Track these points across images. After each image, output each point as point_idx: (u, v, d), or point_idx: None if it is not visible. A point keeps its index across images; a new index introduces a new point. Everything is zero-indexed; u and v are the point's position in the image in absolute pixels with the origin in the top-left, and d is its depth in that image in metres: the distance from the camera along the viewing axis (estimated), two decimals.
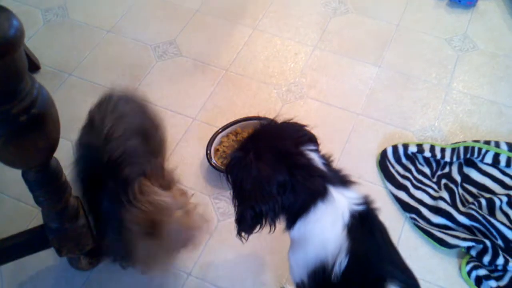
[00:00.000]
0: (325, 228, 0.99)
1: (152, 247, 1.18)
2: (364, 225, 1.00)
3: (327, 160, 1.05)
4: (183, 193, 1.25)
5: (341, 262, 0.96)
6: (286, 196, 1.00)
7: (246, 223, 1.05)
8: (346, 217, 0.99)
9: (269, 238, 1.53)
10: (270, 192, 0.99)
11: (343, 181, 1.04)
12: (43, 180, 1.11)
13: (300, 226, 1.02)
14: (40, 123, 0.96)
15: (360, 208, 1.01)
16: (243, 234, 1.10)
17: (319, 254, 0.99)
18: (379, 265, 0.99)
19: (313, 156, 1.02)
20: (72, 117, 1.39)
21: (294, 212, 1.02)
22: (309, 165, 1.01)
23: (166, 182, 1.25)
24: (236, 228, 1.09)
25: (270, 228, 1.06)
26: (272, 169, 0.99)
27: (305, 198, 1.00)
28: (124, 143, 1.24)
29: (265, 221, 1.04)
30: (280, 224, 1.08)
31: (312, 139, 1.08)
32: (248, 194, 1.01)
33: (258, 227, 1.06)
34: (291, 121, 1.12)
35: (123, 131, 1.26)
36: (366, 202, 1.03)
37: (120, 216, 1.14)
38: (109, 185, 1.18)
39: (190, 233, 1.21)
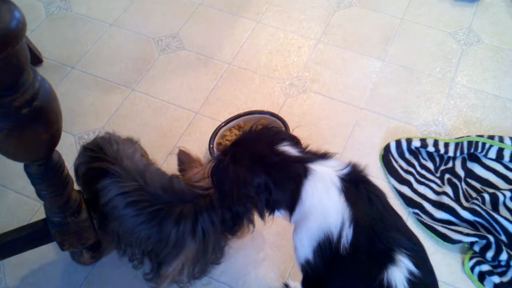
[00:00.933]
0: (321, 198, 1.01)
1: None
2: (359, 189, 1.02)
3: (302, 149, 1.09)
4: (199, 159, 1.35)
5: (347, 233, 0.97)
6: (274, 193, 1.03)
7: (227, 224, 1.13)
8: (336, 181, 1.01)
9: (272, 233, 1.52)
10: (247, 193, 1.03)
11: (321, 156, 1.07)
12: (45, 174, 1.10)
13: (300, 209, 1.04)
14: (42, 116, 0.96)
15: (346, 170, 1.03)
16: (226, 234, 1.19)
17: (321, 225, 1.01)
18: (384, 234, 0.99)
19: (287, 149, 1.06)
20: (74, 111, 1.39)
21: (290, 202, 1.05)
22: (283, 159, 1.04)
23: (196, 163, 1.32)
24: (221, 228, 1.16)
25: (249, 228, 1.13)
26: (249, 171, 1.03)
27: (291, 186, 1.03)
28: (161, 174, 1.29)
29: (243, 221, 1.12)
30: (272, 219, 1.11)
31: (286, 139, 1.11)
32: (225, 196, 1.06)
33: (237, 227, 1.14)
34: (269, 126, 1.18)
35: (145, 165, 1.29)
36: (350, 165, 1.06)
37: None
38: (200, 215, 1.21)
39: None
